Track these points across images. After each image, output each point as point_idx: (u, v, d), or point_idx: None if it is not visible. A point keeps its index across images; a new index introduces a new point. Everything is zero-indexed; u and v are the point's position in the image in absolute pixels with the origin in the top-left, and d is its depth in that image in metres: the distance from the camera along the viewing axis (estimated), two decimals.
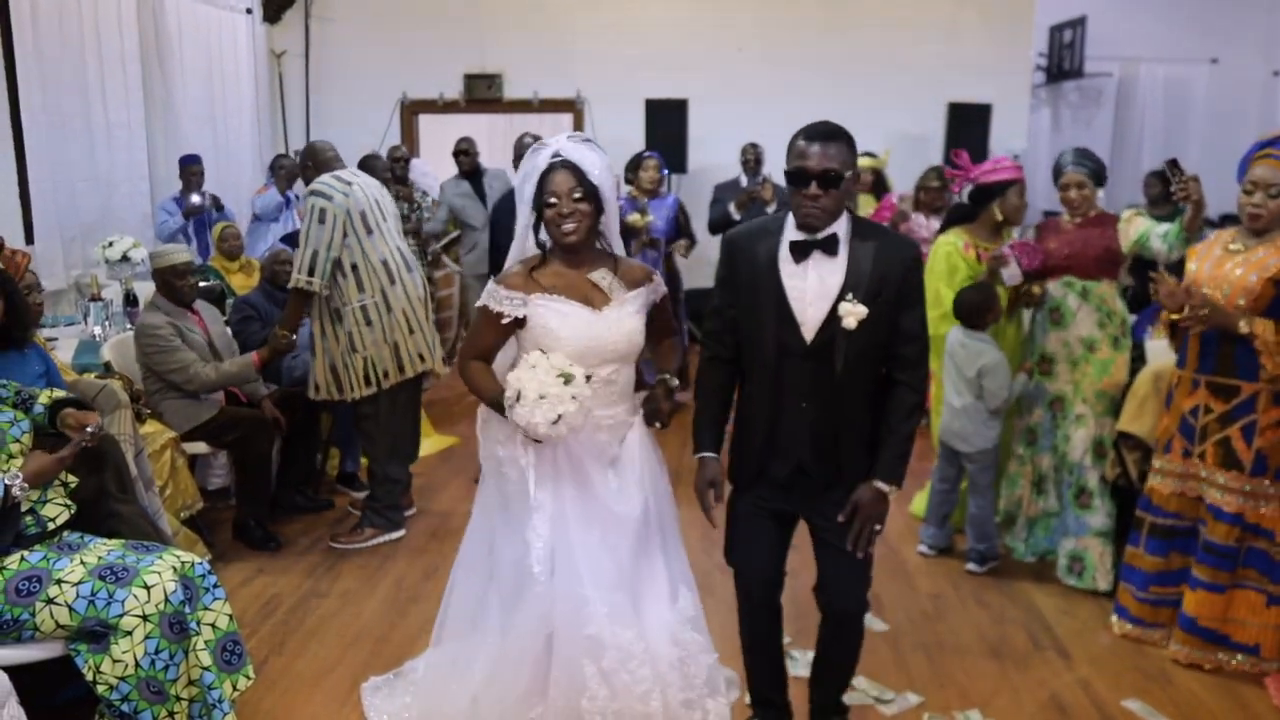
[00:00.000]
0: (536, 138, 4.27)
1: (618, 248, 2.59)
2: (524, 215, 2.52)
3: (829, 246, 2.30)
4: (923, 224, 5.86)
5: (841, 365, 2.30)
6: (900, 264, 2.31)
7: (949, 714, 2.90)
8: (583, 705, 2.40)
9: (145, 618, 2.40)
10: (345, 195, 3.94)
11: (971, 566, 3.88)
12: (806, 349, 2.33)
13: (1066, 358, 3.77)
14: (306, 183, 4.14)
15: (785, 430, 2.41)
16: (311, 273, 3.90)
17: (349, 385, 4.02)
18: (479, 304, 2.55)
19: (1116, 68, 9.84)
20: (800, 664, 3.10)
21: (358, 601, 3.63)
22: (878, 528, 2.37)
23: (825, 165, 2.21)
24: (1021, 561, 3.97)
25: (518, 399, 2.32)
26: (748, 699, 2.82)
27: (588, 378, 2.35)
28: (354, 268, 3.96)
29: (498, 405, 2.41)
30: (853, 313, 2.26)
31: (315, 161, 4.13)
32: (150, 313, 4.09)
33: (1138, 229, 3.66)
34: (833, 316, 2.29)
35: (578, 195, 2.40)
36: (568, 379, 2.30)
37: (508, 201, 4.74)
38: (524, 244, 2.55)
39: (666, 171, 6.00)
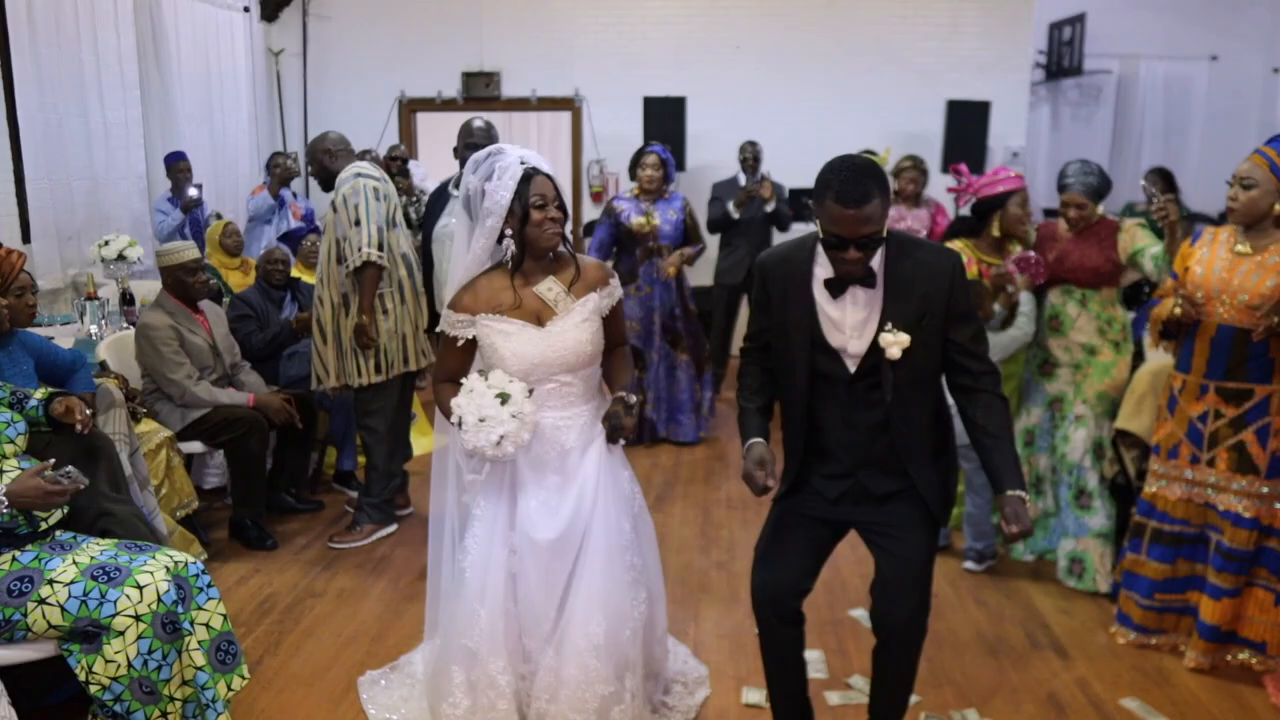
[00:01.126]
0: (488, 124, 4.26)
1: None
2: (490, 223, 2.47)
3: (866, 280, 2.21)
4: (902, 215, 5.81)
5: (893, 395, 2.24)
6: (941, 278, 2.21)
7: (946, 713, 2.89)
8: (442, 709, 2.54)
9: (138, 618, 2.39)
10: (386, 184, 4.04)
11: (969, 565, 3.87)
12: (851, 378, 2.27)
13: (1068, 361, 3.76)
14: (318, 174, 4.12)
15: (833, 455, 2.34)
16: (381, 247, 3.90)
17: (359, 370, 4.00)
18: (439, 330, 2.62)
19: (1116, 65, 9.82)
20: (815, 667, 3.08)
21: (354, 601, 3.62)
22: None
23: (864, 231, 2.10)
24: (1019, 561, 3.96)
25: (459, 425, 2.39)
26: (744, 698, 2.81)
27: (530, 392, 2.40)
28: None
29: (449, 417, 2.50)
30: (896, 342, 2.18)
31: (333, 151, 4.10)
32: (152, 312, 4.09)
33: (1136, 242, 3.61)
34: (876, 347, 2.21)
35: (559, 203, 2.48)
36: (504, 398, 2.35)
37: None
38: (482, 253, 2.53)
39: (673, 167, 5.64)
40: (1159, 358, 3.78)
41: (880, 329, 2.20)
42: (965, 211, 4.05)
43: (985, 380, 2.27)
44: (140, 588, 2.42)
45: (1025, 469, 3.90)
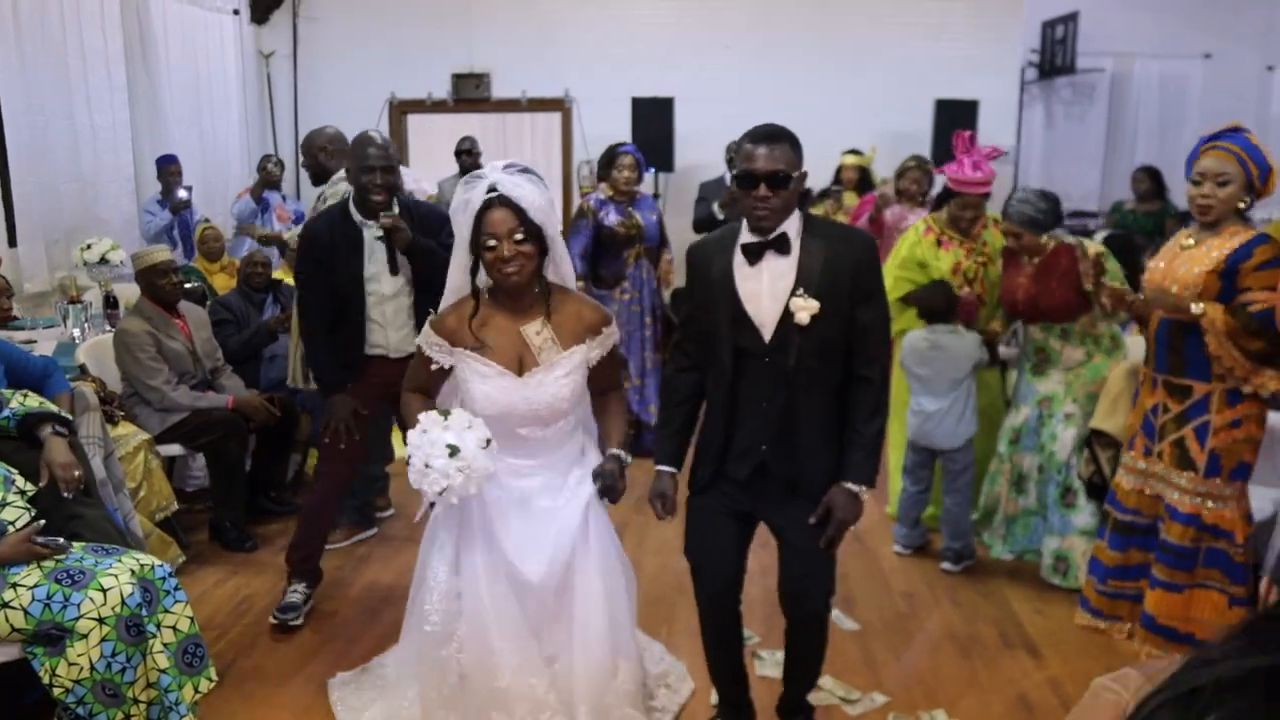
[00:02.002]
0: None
1: (569, 281, 2.51)
2: (460, 255, 2.45)
3: (780, 245, 2.31)
4: (904, 215, 5.80)
5: (794, 361, 2.31)
6: (852, 257, 2.31)
7: (914, 714, 2.89)
8: None
9: (101, 620, 2.40)
10: None
11: (946, 565, 3.87)
12: (766, 348, 2.34)
13: (1062, 365, 3.75)
14: (311, 169, 4.10)
15: (745, 431, 2.41)
16: None
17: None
18: (417, 342, 2.54)
19: (1109, 63, 9.81)
20: (769, 664, 3.10)
21: (329, 602, 3.63)
22: (849, 527, 2.38)
23: (772, 167, 2.24)
24: (997, 560, 3.96)
25: (408, 462, 2.27)
26: (714, 699, 2.82)
27: (488, 442, 2.25)
28: None
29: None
30: (804, 307, 2.28)
31: (329, 150, 4.09)
32: (131, 318, 4.10)
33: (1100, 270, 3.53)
34: (788, 314, 2.30)
35: (519, 237, 2.31)
36: (454, 451, 2.20)
37: None
38: (460, 284, 2.49)
39: (649, 168, 5.59)
40: (1138, 355, 3.79)
41: (792, 294, 2.28)
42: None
43: (874, 371, 2.35)
44: (104, 590, 2.43)
45: (1008, 466, 3.88)
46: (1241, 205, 2.93)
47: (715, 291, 2.36)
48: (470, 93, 8.28)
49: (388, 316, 3.38)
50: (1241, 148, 2.91)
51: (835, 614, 3.47)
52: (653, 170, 7.37)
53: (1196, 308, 2.90)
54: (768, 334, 2.33)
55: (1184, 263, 2.99)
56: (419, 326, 3.33)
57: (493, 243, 2.31)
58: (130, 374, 4.04)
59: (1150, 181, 7.16)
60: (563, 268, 2.49)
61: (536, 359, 2.41)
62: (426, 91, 8.29)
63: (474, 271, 2.44)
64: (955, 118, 7.69)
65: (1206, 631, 3.11)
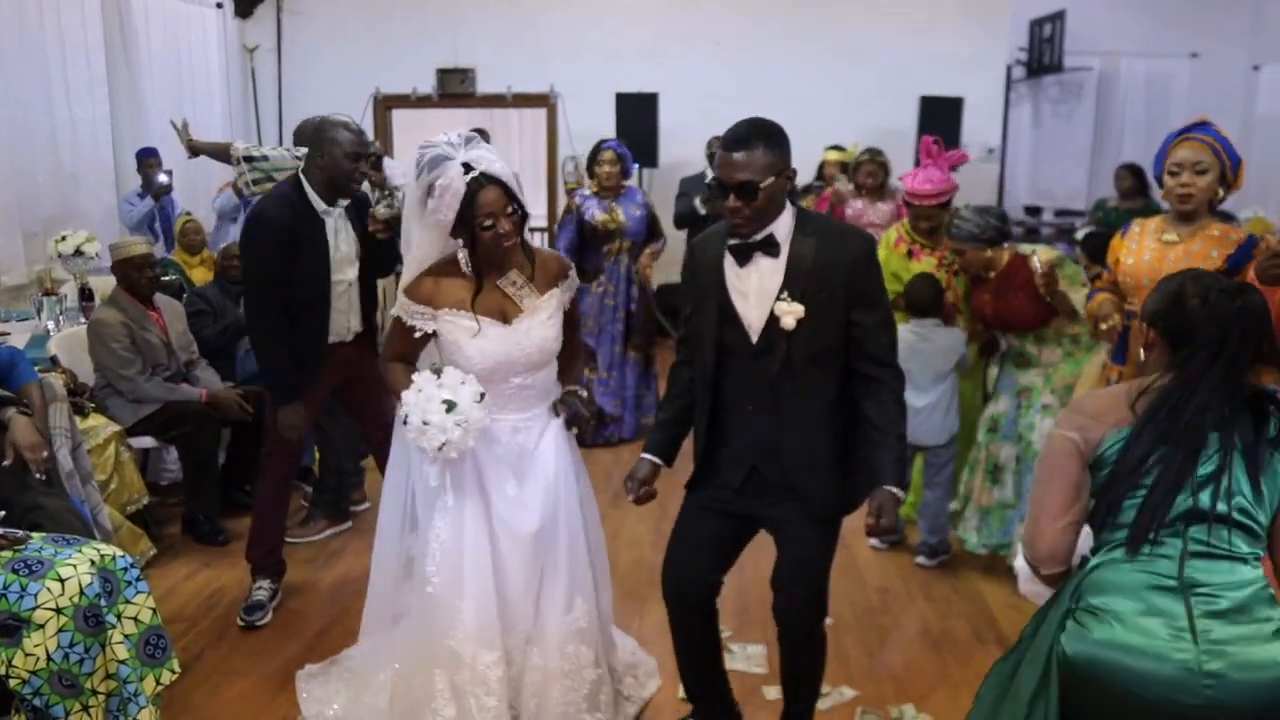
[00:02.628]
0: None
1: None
2: (432, 233, 2.42)
3: (768, 247, 2.24)
4: (864, 210, 5.77)
5: (779, 367, 2.24)
6: (846, 259, 2.21)
7: (883, 708, 2.88)
8: (424, 718, 2.40)
9: (59, 610, 2.37)
10: None
11: (921, 560, 3.86)
12: (753, 349, 2.28)
13: (1043, 361, 3.73)
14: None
15: (734, 434, 2.36)
16: None
17: None
18: (393, 313, 2.52)
19: (1097, 62, 9.83)
20: (739, 658, 3.08)
21: (300, 596, 3.60)
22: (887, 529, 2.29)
23: (739, 178, 2.15)
24: (973, 555, 3.94)
25: (405, 422, 2.31)
26: (681, 693, 2.81)
27: (481, 396, 2.29)
28: None
29: (398, 394, 2.40)
30: (789, 311, 2.19)
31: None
32: (105, 309, 4.07)
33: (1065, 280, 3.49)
34: (775, 319, 2.23)
35: (510, 210, 2.35)
36: (450, 406, 2.25)
37: None
38: (426, 257, 2.48)
39: (634, 163, 5.61)
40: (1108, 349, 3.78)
41: (777, 298, 2.21)
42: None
43: (886, 374, 2.26)
44: (62, 580, 2.39)
45: (983, 455, 3.85)
46: (1217, 196, 2.93)
47: (706, 286, 2.33)
48: (455, 88, 8.26)
49: (351, 303, 3.34)
50: (1214, 139, 2.91)
51: None
52: (637, 166, 7.35)
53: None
54: (755, 335, 2.27)
55: (1180, 259, 2.94)
56: (366, 305, 3.41)
57: (490, 222, 2.33)
58: (103, 364, 4.01)
59: (1133, 179, 7.16)
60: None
61: (520, 307, 2.44)
62: (411, 86, 8.28)
63: (472, 249, 2.41)
64: (940, 115, 7.70)
65: None
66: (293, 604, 3.54)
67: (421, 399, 2.27)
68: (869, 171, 5.76)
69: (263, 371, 3.40)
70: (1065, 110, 10.24)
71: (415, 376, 2.33)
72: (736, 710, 2.69)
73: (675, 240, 6.60)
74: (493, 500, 2.44)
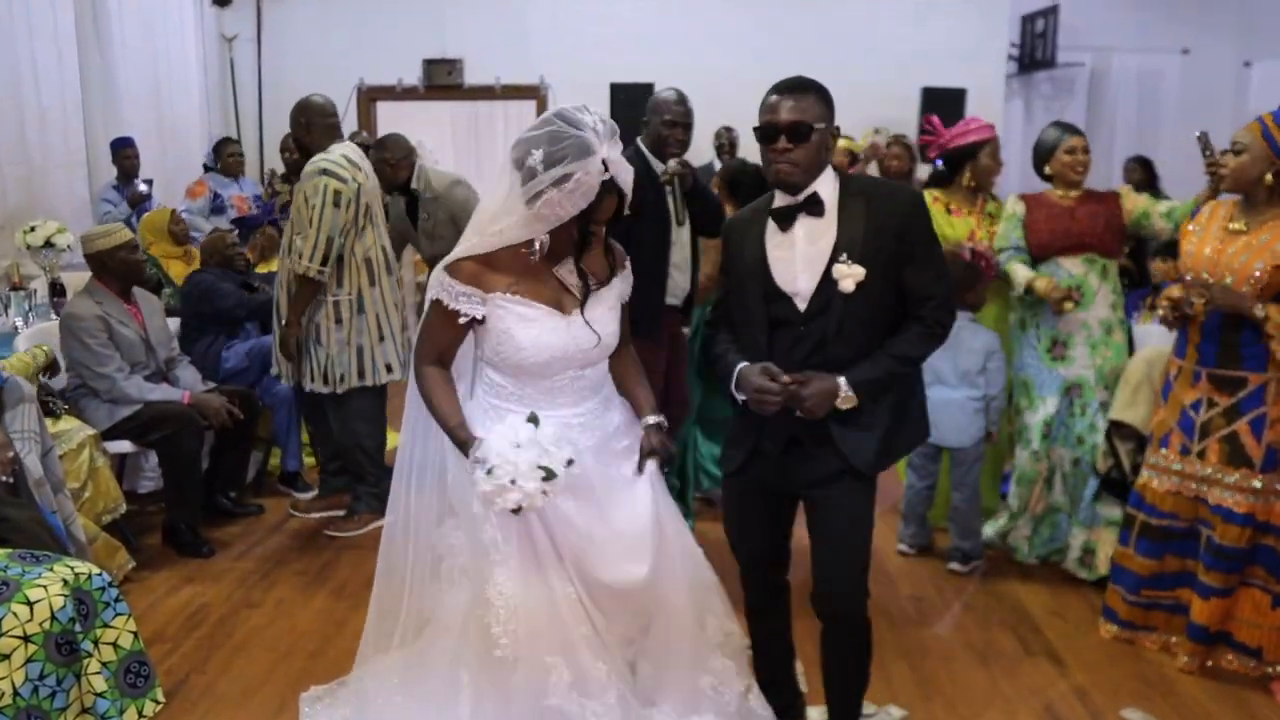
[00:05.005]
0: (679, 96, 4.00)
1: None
2: (534, 223, 2.06)
3: (813, 207, 2.13)
4: None
5: (834, 332, 2.12)
6: (898, 213, 2.13)
7: None
8: None
9: (27, 638, 2.11)
10: (356, 181, 3.70)
11: (954, 566, 3.65)
12: (801, 317, 2.16)
13: (1085, 340, 3.50)
14: (299, 142, 3.82)
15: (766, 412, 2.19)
16: (324, 261, 3.66)
17: (307, 373, 3.83)
18: (431, 296, 2.15)
19: (1089, 58, 9.74)
20: None
21: (292, 612, 3.34)
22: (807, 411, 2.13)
23: (793, 117, 2.09)
24: (1011, 561, 3.72)
25: (480, 463, 1.97)
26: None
27: (569, 462, 2.00)
28: (339, 260, 3.74)
29: (455, 436, 2.09)
30: (850, 274, 2.09)
31: (314, 125, 3.79)
32: (79, 301, 3.79)
33: (1136, 205, 3.45)
34: (827, 281, 2.12)
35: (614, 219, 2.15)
36: (549, 475, 1.95)
37: None
38: (484, 244, 2.12)
39: None
40: (1151, 345, 3.59)
41: (834, 260, 2.11)
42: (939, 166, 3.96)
43: (934, 313, 2.16)
44: (31, 604, 2.13)
45: (1042, 465, 3.61)
46: (1267, 180, 2.76)
47: (748, 265, 2.21)
48: (442, 79, 8.01)
49: (685, 262, 3.50)
50: (1275, 118, 2.76)
51: None
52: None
53: (1260, 310, 2.71)
54: (803, 303, 2.15)
55: (1240, 252, 2.78)
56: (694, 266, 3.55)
57: (594, 228, 2.11)
58: (78, 361, 3.72)
59: (1143, 171, 7.03)
60: None
61: (578, 295, 2.16)
62: (397, 78, 8.02)
63: (581, 246, 2.12)
64: (943, 106, 7.52)
65: (1245, 632, 2.91)
66: (284, 620, 3.28)
67: (519, 455, 1.95)
68: (895, 154, 5.61)
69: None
70: (1058, 106, 10.11)
71: (516, 424, 2.00)
72: (798, 695, 2.61)
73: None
74: (583, 549, 2.12)
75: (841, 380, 2.10)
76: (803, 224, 2.14)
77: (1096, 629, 3.20)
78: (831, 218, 2.13)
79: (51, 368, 3.47)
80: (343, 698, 2.67)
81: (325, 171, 3.64)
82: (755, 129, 2.14)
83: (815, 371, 2.12)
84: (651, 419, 2.25)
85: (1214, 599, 2.90)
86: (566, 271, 2.16)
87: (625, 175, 2.05)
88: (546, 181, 1.98)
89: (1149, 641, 3.10)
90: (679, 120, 3.38)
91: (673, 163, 3.41)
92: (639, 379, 2.33)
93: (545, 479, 1.94)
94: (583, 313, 2.14)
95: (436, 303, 2.14)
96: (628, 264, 2.28)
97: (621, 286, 2.25)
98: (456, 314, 2.11)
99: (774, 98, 2.13)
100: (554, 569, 2.10)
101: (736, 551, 2.43)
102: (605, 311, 2.19)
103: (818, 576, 2.27)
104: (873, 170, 6.70)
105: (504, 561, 2.08)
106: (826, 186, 2.15)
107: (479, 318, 2.12)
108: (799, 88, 2.13)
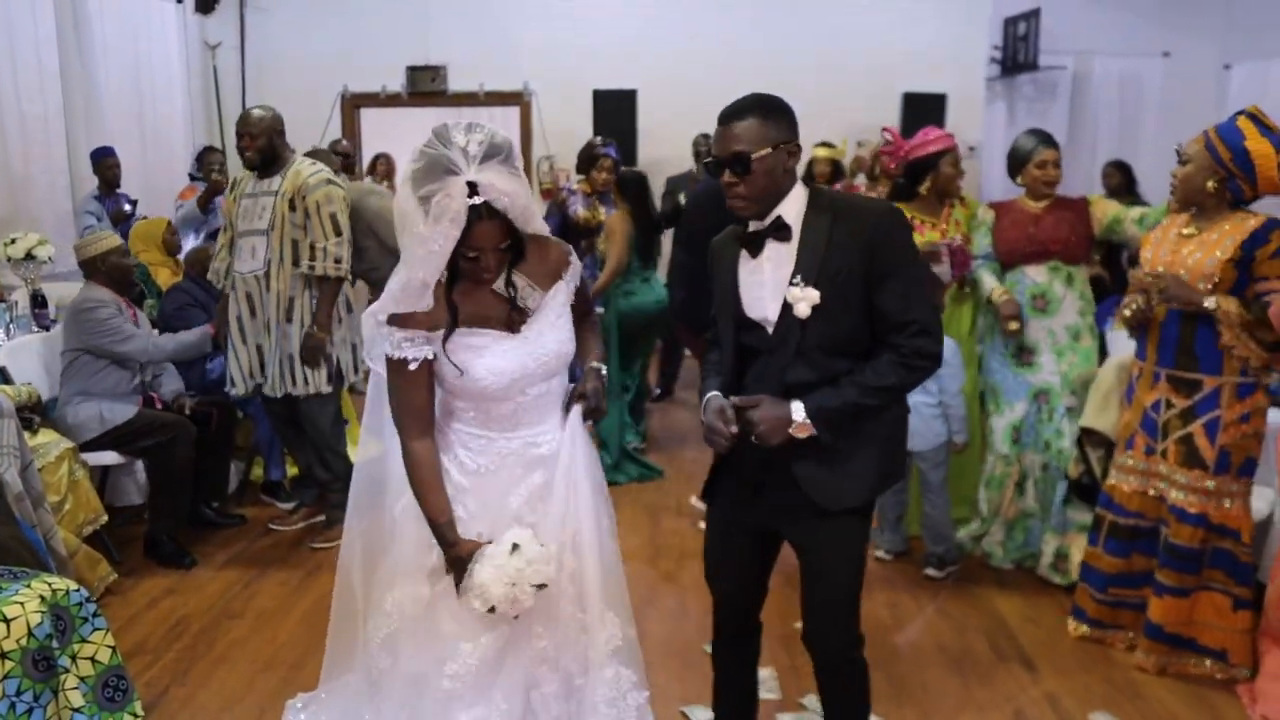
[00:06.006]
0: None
1: (536, 225, 2.07)
2: (429, 262, 1.93)
3: (779, 232, 2.03)
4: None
5: (790, 360, 2.02)
6: (865, 231, 1.97)
7: None
8: None
9: (4, 655, 2.12)
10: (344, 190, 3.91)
11: (930, 572, 3.69)
12: (769, 343, 2.08)
13: (1051, 347, 3.56)
14: (262, 153, 3.83)
15: (745, 440, 2.09)
16: (339, 261, 3.80)
17: (306, 379, 3.86)
18: (377, 356, 2.02)
19: (1070, 60, 9.78)
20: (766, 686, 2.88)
21: (274, 623, 3.35)
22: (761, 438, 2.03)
23: (733, 149, 1.97)
24: (987, 566, 3.77)
25: (479, 599, 1.92)
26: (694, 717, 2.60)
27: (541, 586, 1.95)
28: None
29: (440, 534, 1.98)
30: (802, 298, 1.98)
31: (283, 133, 3.93)
32: (90, 288, 3.89)
33: (1108, 212, 3.50)
34: (788, 307, 2.02)
35: (504, 245, 1.94)
36: (541, 587, 1.92)
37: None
38: (419, 290, 1.97)
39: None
40: (1125, 351, 3.63)
41: (790, 283, 2.01)
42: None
43: (908, 341, 1.99)
44: (7, 621, 2.14)
45: (1013, 470, 3.65)
46: (1209, 188, 2.82)
47: (724, 288, 2.15)
48: (426, 86, 8.02)
49: None
50: (1216, 131, 2.82)
51: None
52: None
53: (1210, 301, 2.76)
54: (771, 329, 2.08)
55: (1193, 251, 2.85)
56: None
57: (474, 254, 1.92)
58: (99, 346, 3.81)
59: (1121, 176, 7.09)
60: (534, 223, 2.06)
61: (526, 308, 2.04)
62: (380, 85, 8.03)
63: (450, 287, 2.00)
64: (923, 111, 7.59)
65: (1208, 635, 2.95)
66: (265, 631, 3.30)
67: (516, 574, 1.89)
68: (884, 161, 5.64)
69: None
70: (1040, 109, 10.16)
71: (521, 543, 1.92)
72: None
73: (665, 239, 6.45)
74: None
75: (796, 405, 1.99)
76: (770, 249, 2.06)
77: (1068, 634, 3.24)
78: (796, 240, 2.04)
79: (35, 407, 3.49)
80: (332, 701, 2.66)
81: (330, 181, 3.82)
82: (704, 160, 2.09)
83: (769, 396, 2.04)
84: (593, 363, 2.18)
85: (1168, 597, 2.96)
86: (504, 285, 2.04)
87: (502, 201, 1.86)
88: (417, 204, 1.86)
89: (1117, 640, 3.15)
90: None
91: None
92: (590, 333, 2.26)
93: (538, 589, 1.92)
94: (523, 328, 2.03)
95: (388, 361, 2.00)
96: (573, 260, 2.13)
97: (568, 287, 2.10)
98: (407, 363, 1.97)
99: (718, 128, 2.02)
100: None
101: (712, 590, 2.35)
102: (555, 320, 2.06)
103: (805, 619, 2.20)
104: (860, 182, 6.73)
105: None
106: (793, 207, 2.04)
107: (428, 358, 1.98)
108: (736, 113, 1.99)
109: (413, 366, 1.96)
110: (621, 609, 2.13)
